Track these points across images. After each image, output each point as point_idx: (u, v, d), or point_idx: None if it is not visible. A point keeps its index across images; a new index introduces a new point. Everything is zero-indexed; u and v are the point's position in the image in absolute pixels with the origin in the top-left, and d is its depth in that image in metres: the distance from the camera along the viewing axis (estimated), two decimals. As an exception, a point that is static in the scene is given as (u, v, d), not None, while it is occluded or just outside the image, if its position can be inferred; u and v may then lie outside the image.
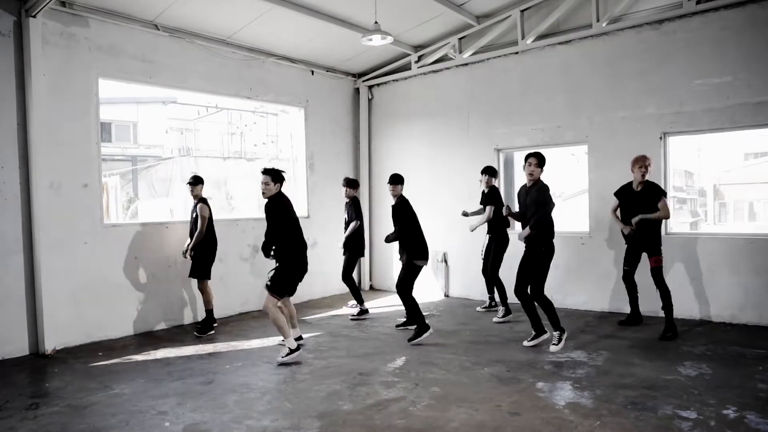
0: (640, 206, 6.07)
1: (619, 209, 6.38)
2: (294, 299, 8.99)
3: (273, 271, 5.46)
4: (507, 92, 8.24)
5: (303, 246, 5.61)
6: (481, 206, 7.27)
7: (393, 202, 6.41)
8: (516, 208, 6.22)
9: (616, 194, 6.40)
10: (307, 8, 7.26)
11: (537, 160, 5.58)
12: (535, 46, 7.85)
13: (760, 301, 6.34)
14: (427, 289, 8.79)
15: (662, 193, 6.08)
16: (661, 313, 6.07)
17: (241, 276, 7.98)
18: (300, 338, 6.08)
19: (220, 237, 7.03)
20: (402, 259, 6.25)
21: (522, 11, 7.89)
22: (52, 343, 5.95)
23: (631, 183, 6.27)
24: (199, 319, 7.35)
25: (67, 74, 6.26)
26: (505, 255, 7.11)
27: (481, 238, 7.40)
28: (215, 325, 6.81)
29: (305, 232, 8.74)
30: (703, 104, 6.63)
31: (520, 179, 9.34)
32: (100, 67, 6.52)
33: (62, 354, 5.94)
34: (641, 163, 6.09)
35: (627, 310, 6.75)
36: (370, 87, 9.84)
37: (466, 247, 8.37)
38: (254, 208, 16.47)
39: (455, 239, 8.60)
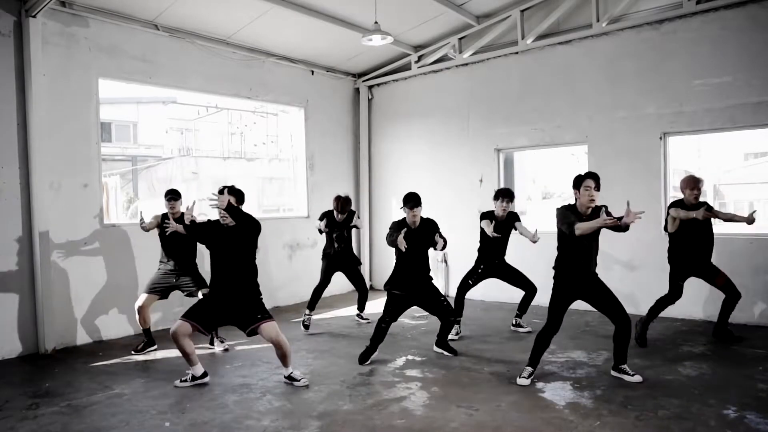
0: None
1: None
2: (294, 299, 9.13)
3: (255, 302, 4.73)
4: (507, 92, 8.23)
5: None
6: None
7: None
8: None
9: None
10: (307, 8, 7.26)
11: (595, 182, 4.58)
12: (535, 46, 7.85)
13: (760, 301, 6.35)
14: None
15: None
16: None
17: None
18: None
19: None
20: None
21: (522, 11, 7.89)
22: (52, 343, 5.95)
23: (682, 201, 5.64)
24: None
25: (67, 74, 6.26)
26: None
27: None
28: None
29: (306, 232, 8.92)
30: (703, 104, 6.63)
31: (521, 179, 9.36)
32: (100, 67, 6.52)
33: (62, 354, 5.94)
34: (694, 185, 5.51)
35: (626, 309, 6.73)
36: (370, 87, 9.84)
37: (466, 247, 8.36)
38: (254, 208, 16.49)
39: (455, 239, 8.60)
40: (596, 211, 4.57)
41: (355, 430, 3.80)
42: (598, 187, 4.57)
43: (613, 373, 4.79)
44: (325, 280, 7.02)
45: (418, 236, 5.33)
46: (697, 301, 6.67)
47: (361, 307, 7.31)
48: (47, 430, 3.91)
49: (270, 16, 7.21)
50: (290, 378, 4.79)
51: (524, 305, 6.49)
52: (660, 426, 3.72)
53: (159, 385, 4.82)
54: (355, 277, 7.18)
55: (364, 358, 5.36)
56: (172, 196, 5.90)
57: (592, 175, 4.61)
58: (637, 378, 4.64)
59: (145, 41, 6.92)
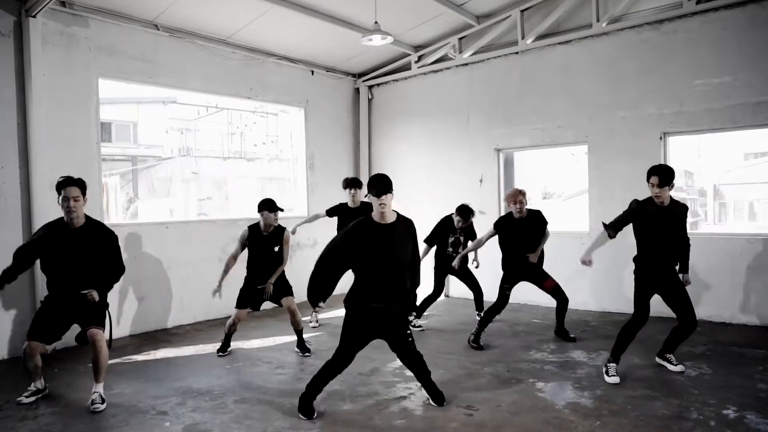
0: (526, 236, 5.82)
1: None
2: (294, 299, 9.06)
3: (95, 304, 4.41)
4: (507, 92, 8.24)
5: None
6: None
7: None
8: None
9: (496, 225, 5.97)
10: (307, 8, 7.27)
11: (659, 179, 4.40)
12: (535, 46, 7.85)
13: (760, 301, 6.35)
14: (427, 289, 8.76)
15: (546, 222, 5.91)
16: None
17: (242, 276, 7.96)
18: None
19: (220, 237, 7.05)
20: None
21: (522, 11, 7.89)
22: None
23: (510, 214, 5.91)
24: (200, 319, 7.38)
25: (67, 74, 6.26)
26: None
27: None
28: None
29: (306, 232, 8.90)
30: (703, 104, 6.63)
31: (521, 179, 9.36)
32: (100, 67, 6.51)
33: (62, 354, 5.93)
34: (515, 198, 5.75)
35: (626, 309, 6.72)
36: (370, 87, 9.84)
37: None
38: (254, 207, 16.47)
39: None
40: (676, 205, 4.57)
41: (355, 430, 3.81)
42: (663, 183, 4.35)
43: (657, 359, 4.98)
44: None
45: (394, 238, 3.90)
46: (697, 301, 6.66)
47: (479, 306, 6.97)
48: (47, 430, 3.91)
49: (270, 16, 7.21)
50: (93, 400, 4.25)
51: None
52: (660, 426, 3.72)
53: (159, 385, 4.82)
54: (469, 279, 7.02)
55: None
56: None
57: (656, 171, 4.41)
58: (680, 368, 4.80)
59: (145, 41, 6.92)
